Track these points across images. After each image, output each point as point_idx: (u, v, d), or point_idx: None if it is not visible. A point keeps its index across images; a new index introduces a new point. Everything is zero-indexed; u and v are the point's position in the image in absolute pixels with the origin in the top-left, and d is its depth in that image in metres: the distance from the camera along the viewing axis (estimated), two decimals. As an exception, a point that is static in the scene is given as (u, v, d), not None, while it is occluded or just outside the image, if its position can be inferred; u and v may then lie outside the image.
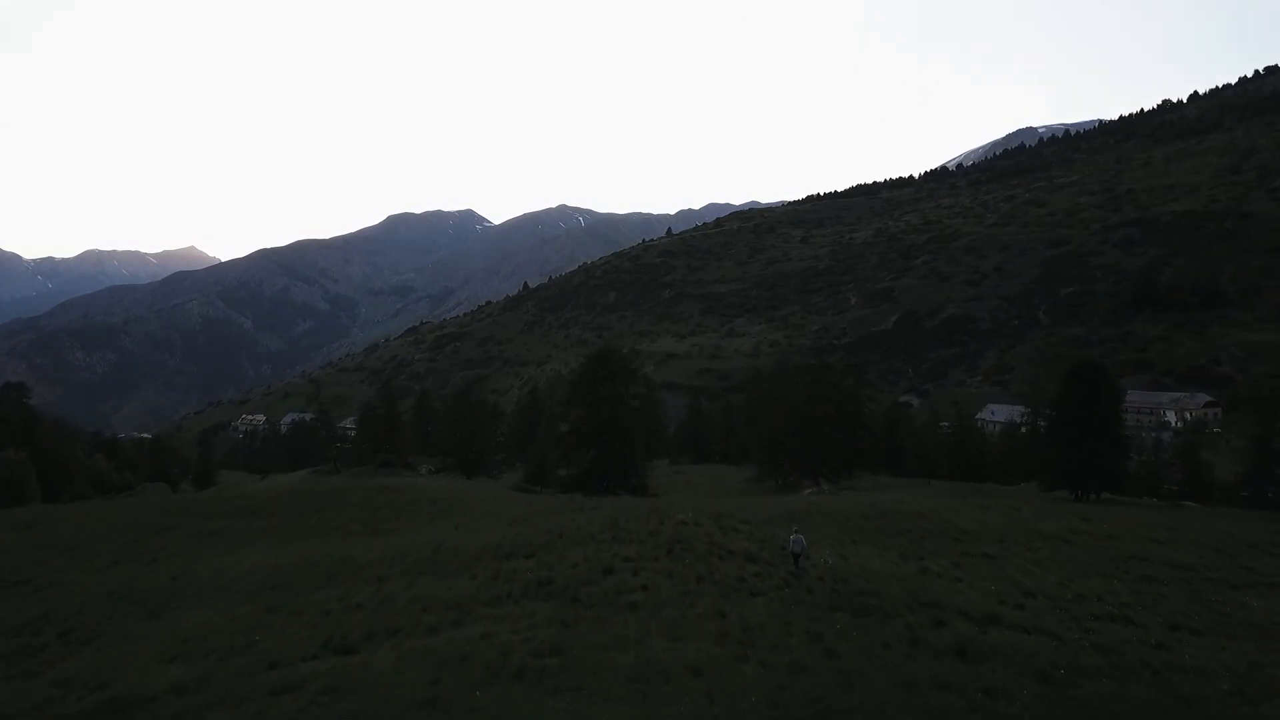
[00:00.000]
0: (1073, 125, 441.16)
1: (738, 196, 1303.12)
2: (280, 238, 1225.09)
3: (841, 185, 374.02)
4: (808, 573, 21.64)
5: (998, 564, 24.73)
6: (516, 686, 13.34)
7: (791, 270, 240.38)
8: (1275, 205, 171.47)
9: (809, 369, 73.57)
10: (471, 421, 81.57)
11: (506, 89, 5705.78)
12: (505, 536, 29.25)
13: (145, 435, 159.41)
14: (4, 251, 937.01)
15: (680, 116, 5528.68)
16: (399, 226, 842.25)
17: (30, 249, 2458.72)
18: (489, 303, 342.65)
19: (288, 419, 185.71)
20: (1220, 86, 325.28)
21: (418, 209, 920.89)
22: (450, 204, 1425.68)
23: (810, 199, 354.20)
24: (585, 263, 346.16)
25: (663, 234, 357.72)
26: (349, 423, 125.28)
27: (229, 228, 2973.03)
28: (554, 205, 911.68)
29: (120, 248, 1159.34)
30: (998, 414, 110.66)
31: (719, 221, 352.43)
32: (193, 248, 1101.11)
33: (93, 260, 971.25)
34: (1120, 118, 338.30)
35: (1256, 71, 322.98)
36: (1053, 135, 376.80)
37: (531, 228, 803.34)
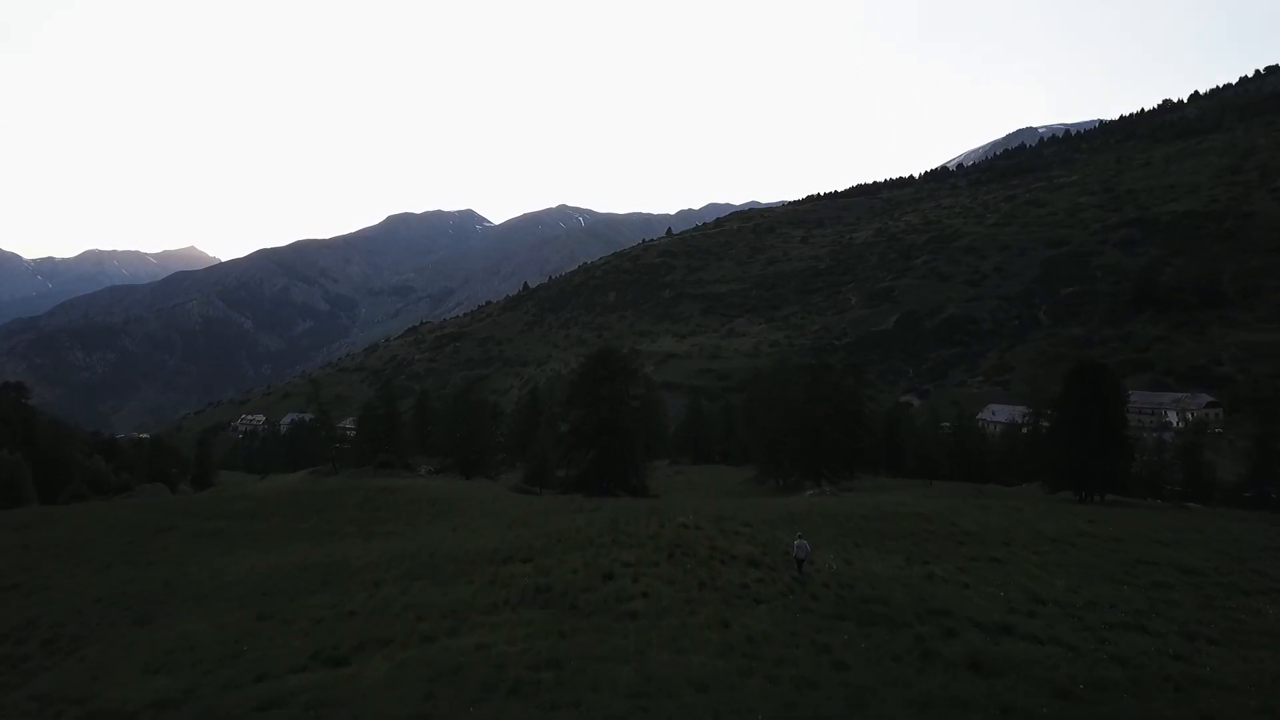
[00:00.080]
0: (1073, 125, 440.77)
1: (738, 196, 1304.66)
2: (280, 238, 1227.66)
3: (841, 185, 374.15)
4: (812, 578, 21.19)
5: (1005, 568, 24.31)
6: (512, 703, 12.80)
7: (791, 270, 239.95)
8: (1276, 205, 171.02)
9: (809, 369, 73.19)
10: (471, 422, 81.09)
11: (507, 89, 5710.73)
12: (503, 540, 28.77)
13: (144, 435, 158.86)
14: (4, 251, 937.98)
15: (680, 116, 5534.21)
16: (399, 226, 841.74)
17: (30, 249, 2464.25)
18: (489, 303, 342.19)
19: (287, 419, 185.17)
20: (1220, 86, 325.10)
21: (418, 209, 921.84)
22: (450, 204, 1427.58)
23: (810, 199, 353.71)
24: (585, 263, 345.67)
25: (663, 234, 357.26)
26: (349, 423, 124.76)
27: (229, 228, 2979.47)
28: (554, 205, 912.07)
29: (120, 248, 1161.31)
30: (998, 414, 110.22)
31: (719, 221, 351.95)
32: (193, 248, 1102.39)
33: (93, 260, 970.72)
34: (1120, 118, 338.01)
35: (1257, 71, 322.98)
36: (1053, 135, 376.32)
37: (531, 228, 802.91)
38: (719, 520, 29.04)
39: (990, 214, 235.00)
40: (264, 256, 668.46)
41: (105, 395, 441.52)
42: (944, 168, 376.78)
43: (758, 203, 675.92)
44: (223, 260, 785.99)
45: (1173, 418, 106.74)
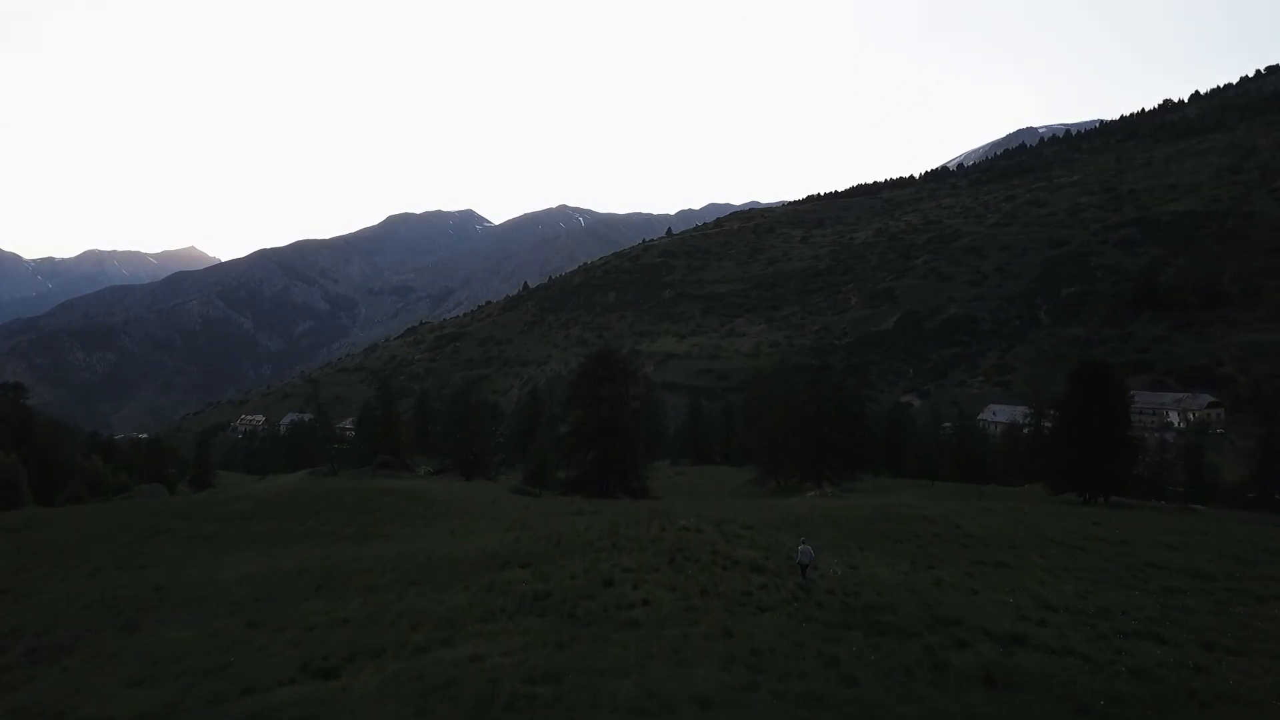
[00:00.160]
0: (1073, 125, 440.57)
1: (738, 196, 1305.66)
2: (280, 238, 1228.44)
3: (841, 185, 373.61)
4: (816, 584, 20.65)
5: (1012, 573, 23.80)
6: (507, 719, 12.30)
7: (792, 270, 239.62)
8: (1276, 205, 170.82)
9: (810, 369, 72.77)
10: (471, 422, 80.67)
11: (506, 89, 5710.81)
12: (502, 543, 28.29)
13: (143, 436, 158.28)
14: (4, 251, 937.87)
15: (680, 116, 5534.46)
16: (399, 227, 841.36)
17: (30, 249, 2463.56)
18: (489, 303, 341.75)
19: (287, 419, 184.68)
20: (1221, 86, 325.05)
21: (418, 209, 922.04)
22: (450, 204, 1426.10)
23: (810, 199, 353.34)
24: (585, 263, 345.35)
25: (663, 234, 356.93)
26: (348, 423, 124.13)
27: (229, 228, 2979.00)
28: (554, 205, 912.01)
29: (120, 248, 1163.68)
30: (1000, 414, 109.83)
31: (719, 221, 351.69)
32: (193, 248, 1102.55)
33: (93, 260, 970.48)
34: (1121, 118, 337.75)
35: (1258, 71, 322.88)
36: (1053, 135, 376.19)
37: (531, 228, 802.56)
38: (720, 523, 28.56)
39: (991, 214, 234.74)
40: (264, 256, 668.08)
41: (105, 395, 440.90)
42: (944, 168, 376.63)
43: (758, 203, 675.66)
44: (223, 260, 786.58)
45: (1174, 418, 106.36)
